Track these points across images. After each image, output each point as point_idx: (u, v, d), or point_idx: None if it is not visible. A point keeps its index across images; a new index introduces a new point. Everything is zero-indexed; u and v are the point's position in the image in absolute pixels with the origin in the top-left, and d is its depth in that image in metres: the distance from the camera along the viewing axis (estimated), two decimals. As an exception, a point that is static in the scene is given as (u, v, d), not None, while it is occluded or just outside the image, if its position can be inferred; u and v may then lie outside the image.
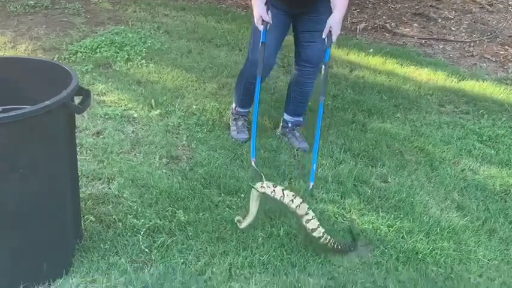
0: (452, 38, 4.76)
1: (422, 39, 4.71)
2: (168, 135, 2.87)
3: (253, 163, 2.37)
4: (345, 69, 3.98)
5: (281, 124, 2.98)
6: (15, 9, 4.43)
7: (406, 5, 5.49)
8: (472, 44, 4.65)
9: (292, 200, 2.06)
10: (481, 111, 3.48)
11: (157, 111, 3.06)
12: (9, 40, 3.85)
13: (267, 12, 2.49)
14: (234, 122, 2.96)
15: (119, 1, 4.92)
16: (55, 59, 3.62)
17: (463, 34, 4.88)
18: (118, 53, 3.77)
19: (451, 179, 2.72)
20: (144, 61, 3.70)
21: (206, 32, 4.43)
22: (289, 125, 2.94)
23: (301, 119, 2.95)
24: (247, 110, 2.96)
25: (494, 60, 4.37)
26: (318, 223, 2.07)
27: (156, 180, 2.44)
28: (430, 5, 5.54)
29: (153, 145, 2.75)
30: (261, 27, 2.48)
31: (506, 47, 4.64)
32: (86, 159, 2.55)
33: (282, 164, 2.70)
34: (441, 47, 4.59)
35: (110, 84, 3.32)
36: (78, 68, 3.50)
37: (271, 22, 2.48)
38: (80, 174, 2.23)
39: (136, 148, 2.71)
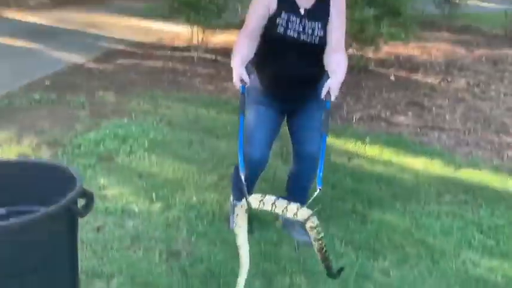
0: (447, 126, 4.88)
1: (418, 127, 4.83)
2: (168, 229, 2.88)
3: (242, 177, 2.23)
4: (343, 157, 4.05)
5: (280, 217, 3.00)
6: (21, 104, 4.58)
7: (400, 95, 5.67)
8: (466, 132, 4.76)
9: (287, 208, 2.05)
10: (479, 200, 3.50)
11: (158, 205, 3.09)
12: (14, 135, 3.95)
13: (249, 76, 2.47)
14: (233, 215, 2.97)
15: (123, 94, 5.08)
16: (59, 153, 3.70)
17: (458, 122, 5.01)
18: (121, 145, 3.86)
19: (452, 272, 2.70)
20: (146, 153, 3.77)
21: (207, 123, 4.55)
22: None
23: None
24: None
25: (489, 148, 4.46)
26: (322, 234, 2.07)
27: (155, 277, 2.43)
28: (424, 94, 5.72)
29: (153, 240, 2.76)
30: (238, 86, 2.44)
31: (500, 134, 4.74)
32: (85, 255, 2.55)
33: (283, 259, 2.69)
34: (436, 135, 4.69)
35: (111, 178, 3.37)
36: (81, 161, 3.56)
37: (248, 83, 2.44)
38: (79, 271, 2.22)
39: (136, 244, 2.71)
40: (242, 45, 2.53)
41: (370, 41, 5.97)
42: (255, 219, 2.99)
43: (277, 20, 2.50)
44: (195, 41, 6.52)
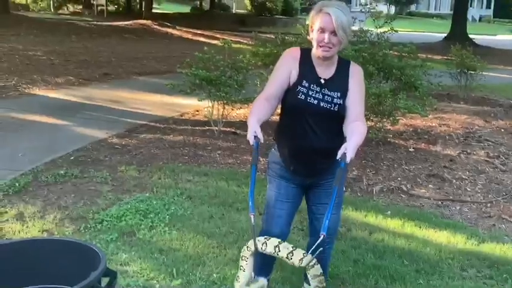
0: (468, 199, 4.84)
1: (439, 200, 4.80)
2: (188, 306, 2.86)
3: (252, 218, 2.34)
4: (364, 231, 4.03)
5: None
6: (46, 179, 4.69)
7: (420, 167, 5.68)
8: (488, 205, 4.71)
9: (292, 253, 2.02)
10: (505, 275, 3.43)
11: (179, 281, 3.09)
12: (39, 210, 4.03)
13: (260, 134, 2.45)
14: None
15: (145, 168, 5.18)
16: (81, 228, 3.76)
17: (479, 195, 4.97)
18: (142, 220, 3.90)
19: None
20: (167, 228, 3.81)
21: (227, 196, 4.59)
22: None
23: None
24: (264, 279, 2.95)
25: (512, 220, 4.40)
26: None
27: None
28: (444, 166, 5.72)
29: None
30: (252, 142, 2.42)
31: (524, 206, 4.69)
32: (106, 334, 2.53)
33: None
34: (458, 208, 4.66)
35: (133, 253, 3.40)
36: (103, 237, 3.61)
37: (262, 141, 2.42)
38: None
39: (157, 321, 2.69)
40: (259, 106, 2.56)
41: (387, 114, 6.05)
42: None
43: (298, 88, 2.58)
44: (215, 116, 6.69)
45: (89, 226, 3.81)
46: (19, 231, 3.69)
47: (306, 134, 2.60)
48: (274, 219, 2.69)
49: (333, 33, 2.49)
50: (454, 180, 5.31)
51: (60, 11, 30.02)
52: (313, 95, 2.58)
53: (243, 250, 2.22)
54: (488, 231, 4.20)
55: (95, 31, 19.63)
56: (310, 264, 2.07)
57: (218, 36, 19.28)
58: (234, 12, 36.82)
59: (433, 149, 6.38)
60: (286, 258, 2.14)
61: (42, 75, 9.88)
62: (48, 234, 3.67)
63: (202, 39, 19.61)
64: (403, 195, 4.91)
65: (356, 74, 2.64)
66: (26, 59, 11.70)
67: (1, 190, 4.33)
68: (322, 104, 2.57)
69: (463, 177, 5.42)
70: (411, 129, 7.19)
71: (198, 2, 35.67)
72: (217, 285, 3.08)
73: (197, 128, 7.05)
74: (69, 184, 4.66)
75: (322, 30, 2.50)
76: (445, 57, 10.99)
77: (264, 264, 2.88)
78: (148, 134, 6.57)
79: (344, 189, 2.78)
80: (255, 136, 2.42)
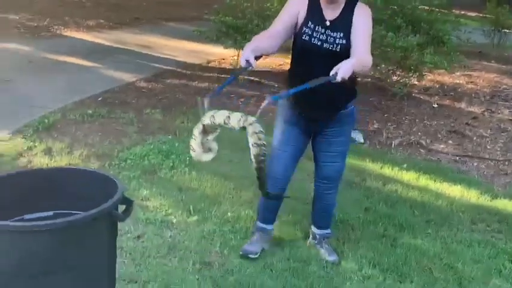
0: (487, 156, 4.86)
1: (457, 156, 4.83)
2: (203, 241, 3.03)
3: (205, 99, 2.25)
4: (378, 182, 4.11)
5: (310, 235, 3.10)
6: (74, 117, 4.86)
7: (442, 123, 5.68)
8: (506, 163, 4.73)
9: (229, 116, 2.05)
10: (514, 230, 3.50)
11: (195, 218, 3.25)
12: (66, 146, 4.21)
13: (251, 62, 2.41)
14: (251, 237, 3.06)
15: (169, 112, 5.31)
16: (106, 165, 3.94)
17: (498, 152, 4.98)
18: (164, 160, 4.05)
19: (480, 299, 2.73)
20: (187, 169, 3.95)
21: (247, 142, 4.69)
22: (317, 237, 3.05)
23: (328, 231, 3.06)
24: (265, 226, 3.02)
25: (529, 179, 4.42)
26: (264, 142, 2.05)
27: (188, 285, 2.57)
28: (466, 123, 5.70)
29: (188, 250, 2.91)
30: (243, 64, 2.42)
31: (543, 166, 4.69)
32: (124, 262, 2.72)
33: (311, 275, 2.78)
34: (475, 164, 4.69)
35: (153, 190, 3.56)
36: (126, 174, 3.78)
37: (254, 67, 2.42)
38: (117, 276, 2.39)
39: (172, 253, 2.87)
40: (259, 38, 2.60)
41: (413, 69, 6.01)
42: (286, 237, 3.11)
43: (304, 29, 2.61)
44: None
45: (113, 163, 3.98)
46: (47, 164, 3.88)
47: (311, 77, 2.51)
48: (277, 160, 2.81)
49: None
50: (475, 138, 5.31)
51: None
52: (317, 36, 2.59)
53: (194, 129, 2.24)
54: (503, 188, 4.24)
55: (127, -25, 19.52)
56: (248, 122, 2.07)
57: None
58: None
59: (457, 106, 6.35)
60: (224, 123, 2.13)
61: (74, 17, 9.98)
62: (74, 168, 3.85)
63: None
64: (421, 150, 4.95)
65: (361, 13, 2.61)
66: (58, 0, 11.80)
67: (31, 126, 4.52)
68: (325, 45, 2.59)
69: (484, 134, 5.42)
70: (437, 86, 7.13)
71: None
72: (231, 224, 3.23)
73: (223, 75, 7.12)
74: (96, 123, 4.83)
75: None
76: (481, 14, 10.69)
77: (265, 210, 3.00)
78: (175, 79, 6.68)
79: (351, 139, 2.91)
80: (246, 60, 2.41)
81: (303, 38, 2.62)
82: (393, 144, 4.99)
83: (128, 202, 2.00)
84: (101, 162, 3.98)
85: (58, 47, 7.81)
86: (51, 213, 2.15)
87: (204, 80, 6.83)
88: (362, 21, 2.60)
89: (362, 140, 4.95)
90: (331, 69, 2.44)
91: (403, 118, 5.74)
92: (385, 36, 5.63)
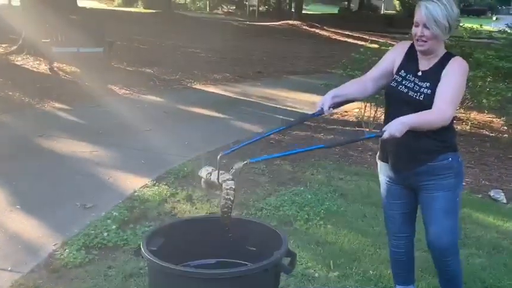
0: None
1: None
2: (346, 298, 2.96)
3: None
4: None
5: None
6: (210, 165, 5.06)
7: None
8: None
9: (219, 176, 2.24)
10: None
11: (336, 273, 3.19)
12: (205, 194, 4.37)
13: (329, 107, 2.48)
14: None
15: (298, 164, 5.37)
16: (243, 214, 4.03)
17: None
18: (298, 212, 4.08)
19: None
20: (322, 222, 3.94)
21: (379, 197, 4.58)
22: None
23: None
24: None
25: None
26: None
27: None
28: None
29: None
30: (317, 107, 2.51)
31: None
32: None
33: None
34: None
35: (291, 242, 3.57)
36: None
37: (325, 113, 2.49)
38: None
39: (317, 308, 2.83)
40: (347, 84, 2.64)
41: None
42: None
43: (395, 76, 2.58)
44: (366, 117, 6.70)
45: (250, 212, 4.07)
46: (189, 211, 4.06)
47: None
48: (388, 218, 2.79)
49: (425, 26, 2.41)
50: None
51: (215, 11, 31.76)
52: (406, 84, 2.53)
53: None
54: None
55: (247, 30, 20.53)
56: (223, 179, 2.26)
57: (366, 37, 19.11)
58: (382, 12, 36.10)
59: None
60: (207, 178, 2.36)
61: (202, 71, 10.61)
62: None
63: (350, 40, 19.57)
64: None
65: (452, 66, 2.48)
66: (186, 55, 12.62)
67: (173, 174, 4.78)
68: (410, 93, 2.50)
69: None
70: None
71: (346, 3, 35.51)
72: (374, 282, 3.14)
73: (347, 128, 7.12)
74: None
75: (416, 24, 2.45)
76: None
77: (394, 267, 2.91)
78: (300, 131, 6.77)
79: (459, 194, 2.59)
80: (321, 108, 2.47)
81: (391, 84, 2.59)
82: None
83: (292, 255, 2.01)
84: (238, 211, 4.08)
85: (189, 99, 8.31)
86: (213, 261, 2.23)
87: (329, 132, 6.87)
88: (452, 73, 2.46)
89: (505, 201, 4.65)
90: None
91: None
92: None
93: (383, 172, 2.74)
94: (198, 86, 9.46)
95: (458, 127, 7.39)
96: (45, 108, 7.20)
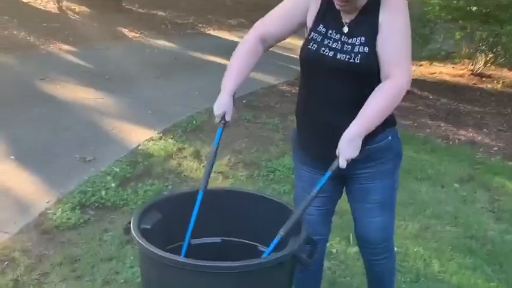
0: None
1: None
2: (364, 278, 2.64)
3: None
4: None
5: None
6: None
7: None
8: None
9: None
10: None
11: (355, 249, 2.86)
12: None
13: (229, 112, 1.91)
14: None
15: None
16: (254, 175, 3.70)
17: None
18: (315, 176, 3.73)
19: None
20: (340, 188, 3.59)
21: (404, 162, 4.21)
22: None
23: None
24: None
25: None
26: None
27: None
28: None
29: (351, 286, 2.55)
30: (218, 121, 1.93)
31: None
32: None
33: None
34: None
35: (306, 210, 3.24)
36: (275, 187, 3.51)
37: (229, 120, 1.93)
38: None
39: (334, 289, 2.53)
40: (243, 59, 1.95)
41: None
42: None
43: (312, 35, 1.85)
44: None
45: (262, 174, 3.74)
46: (196, 170, 3.74)
47: (319, 101, 1.87)
48: (305, 217, 1.84)
49: None
50: None
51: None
52: (330, 45, 1.81)
53: None
54: None
55: (266, -26, 19.66)
56: None
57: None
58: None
59: None
60: None
61: (216, 15, 10.10)
62: (223, 176, 3.66)
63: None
64: None
65: (387, 5, 1.77)
66: (201, -1, 12.05)
67: (181, 126, 4.43)
68: (339, 56, 1.79)
69: None
70: None
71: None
72: (399, 260, 2.79)
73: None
74: (242, 128, 4.65)
75: None
76: None
77: None
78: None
79: (397, 179, 2.05)
80: (222, 117, 1.91)
81: (309, 46, 1.85)
82: None
83: (312, 243, 1.67)
84: (249, 171, 3.76)
85: (202, 45, 7.86)
86: (218, 239, 1.91)
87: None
88: (392, 15, 1.76)
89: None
90: (345, 92, 1.79)
91: None
92: None
93: (301, 160, 2.03)
94: (211, 32, 8.99)
95: (489, 85, 6.93)
96: (50, 50, 6.81)
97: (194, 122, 4.54)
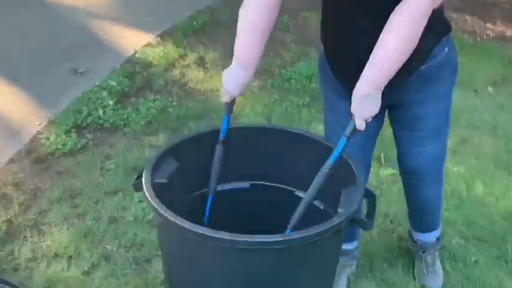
0: None
1: None
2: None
3: None
4: None
5: (409, 243, 2.12)
6: (223, 19, 4.19)
7: None
8: None
9: None
10: None
11: (389, 171, 2.56)
12: (219, 57, 3.62)
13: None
14: None
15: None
16: (268, 84, 3.32)
17: None
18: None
19: None
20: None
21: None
22: (417, 243, 2.04)
23: (434, 239, 2.02)
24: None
25: None
26: None
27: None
28: None
29: (388, 218, 2.28)
30: (224, 99, 1.63)
31: None
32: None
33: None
34: None
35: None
36: (294, 99, 3.15)
37: (235, 95, 1.63)
38: None
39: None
40: (249, 38, 1.62)
41: None
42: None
43: None
44: None
45: (276, 83, 3.36)
46: (202, 81, 3.35)
47: (350, 22, 1.51)
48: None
49: None
50: None
51: None
52: None
53: None
54: None
55: None
56: None
57: None
58: None
59: None
60: None
61: None
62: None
63: None
64: None
65: None
66: None
67: (181, 28, 3.95)
68: None
69: None
70: None
71: None
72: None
73: None
74: (249, 28, 4.16)
75: None
76: None
77: None
78: None
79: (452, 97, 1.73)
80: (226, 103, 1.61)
81: None
82: None
83: (371, 196, 1.34)
84: (261, 81, 3.36)
85: None
86: (247, 184, 1.60)
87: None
88: None
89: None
90: (375, 20, 1.39)
91: None
92: None
93: (335, 89, 1.68)
94: None
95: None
96: None
97: (195, 23, 4.04)
